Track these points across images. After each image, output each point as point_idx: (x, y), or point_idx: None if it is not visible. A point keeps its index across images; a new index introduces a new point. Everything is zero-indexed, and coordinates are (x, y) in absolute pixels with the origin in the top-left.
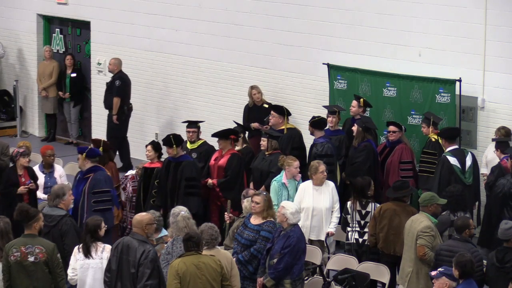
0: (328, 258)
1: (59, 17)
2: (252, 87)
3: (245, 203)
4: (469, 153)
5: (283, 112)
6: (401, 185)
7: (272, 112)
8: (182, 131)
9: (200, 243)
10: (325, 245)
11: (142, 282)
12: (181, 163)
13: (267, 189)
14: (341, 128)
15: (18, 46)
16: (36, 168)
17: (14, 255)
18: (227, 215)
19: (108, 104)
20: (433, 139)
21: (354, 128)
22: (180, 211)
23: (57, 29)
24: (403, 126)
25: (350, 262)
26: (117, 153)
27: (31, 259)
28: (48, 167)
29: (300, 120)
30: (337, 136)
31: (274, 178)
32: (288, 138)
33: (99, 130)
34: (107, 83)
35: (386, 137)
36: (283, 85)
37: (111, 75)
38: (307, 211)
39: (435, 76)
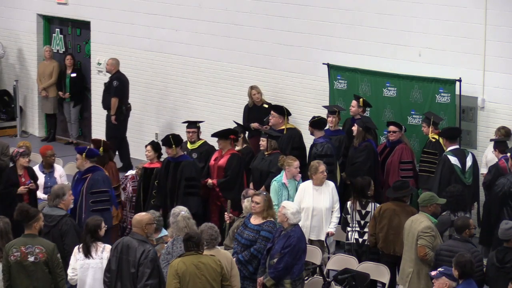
0: (328, 258)
1: (59, 17)
2: (251, 87)
3: (245, 203)
4: (470, 153)
5: (283, 112)
6: (401, 185)
7: (272, 112)
8: (182, 131)
9: (200, 243)
10: (325, 245)
11: (142, 281)
12: (180, 163)
13: (267, 189)
14: (341, 128)
15: (18, 46)
16: (36, 168)
17: (14, 255)
18: (227, 215)
19: (106, 104)
20: (433, 139)
21: (354, 128)
22: (181, 211)
23: (57, 29)
24: (403, 126)
25: (350, 262)
26: (117, 153)
27: (31, 259)
28: (48, 167)
29: (300, 120)
30: (337, 136)
31: (274, 178)
32: (288, 138)
33: (99, 130)
34: (105, 84)
35: (386, 137)
36: (283, 85)
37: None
38: (307, 211)
39: (435, 76)
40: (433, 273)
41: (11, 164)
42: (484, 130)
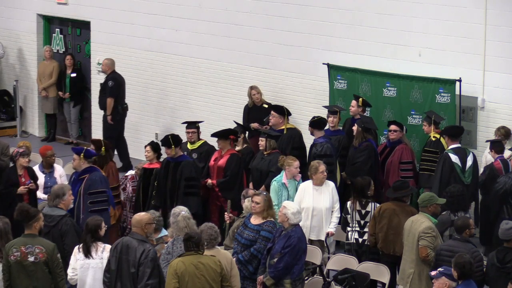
0: (328, 258)
1: (59, 17)
2: (251, 88)
3: (246, 203)
4: (471, 153)
5: (283, 112)
6: (401, 185)
7: (272, 112)
8: (182, 131)
9: (200, 243)
10: (325, 245)
11: (143, 281)
12: (180, 163)
13: (267, 189)
14: (341, 128)
15: (18, 46)
16: (36, 168)
17: (14, 255)
18: (227, 215)
19: (102, 104)
20: (434, 138)
21: (355, 128)
22: (181, 211)
23: (57, 29)
24: (404, 127)
25: (350, 262)
26: (116, 153)
27: (31, 259)
28: (48, 167)
29: (300, 120)
30: (336, 136)
31: (274, 178)
32: (288, 138)
33: (99, 130)
34: (101, 84)
35: (387, 137)
36: (283, 85)
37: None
38: (307, 211)
39: (435, 76)
40: (433, 273)
41: (11, 164)
42: (484, 130)
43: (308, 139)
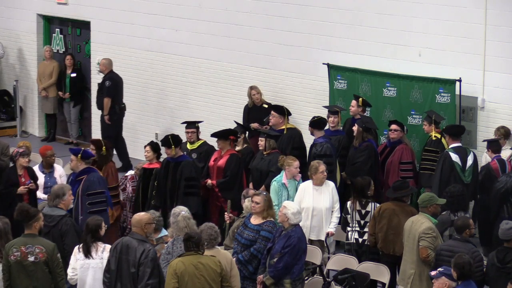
0: (328, 258)
1: (59, 17)
2: (251, 88)
3: (246, 203)
4: (472, 152)
5: (283, 112)
6: (401, 185)
7: (272, 112)
8: (182, 131)
9: (200, 243)
10: (325, 245)
11: (143, 281)
12: (180, 163)
13: (267, 189)
14: (341, 128)
15: (18, 46)
16: (36, 168)
17: (14, 255)
18: (227, 215)
19: (99, 104)
20: (435, 138)
21: (355, 128)
22: (181, 211)
23: (57, 29)
24: (405, 127)
25: (350, 262)
26: (115, 153)
27: (31, 259)
28: (48, 167)
29: (300, 120)
30: (336, 136)
31: (274, 179)
32: (288, 138)
33: (99, 130)
34: (98, 84)
35: (387, 137)
36: (283, 85)
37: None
38: (307, 211)
39: (435, 76)
40: (433, 273)
41: (11, 164)
42: (484, 130)
43: (308, 139)
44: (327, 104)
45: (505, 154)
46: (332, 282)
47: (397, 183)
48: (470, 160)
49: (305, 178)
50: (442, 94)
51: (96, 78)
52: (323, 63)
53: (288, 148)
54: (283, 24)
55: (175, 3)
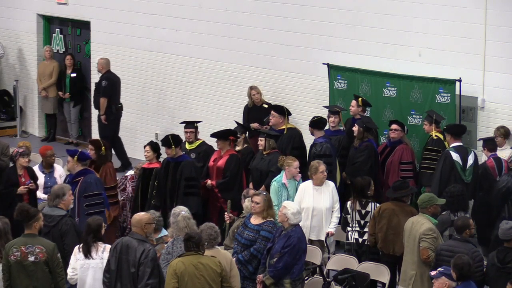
0: (328, 258)
1: (59, 17)
2: (251, 88)
3: (246, 203)
4: (472, 152)
5: (284, 112)
6: (401, 185)
7: (272, 112)
8: (182, 131)
9: (201, 243)
10: (325, 245)
11: (143, 281)
12: (180, 163)
13: (267, 189)
14: (341, 128)
15: (18, 46)
16: (36, 168)
17: (14, 255)
18: (227, 215)
19: (96, 104)
20: (435, 137)
21: (355, 128)
22: (181, 211)
23: (57, 29)
24: (405, 127)
25: (350, 262)
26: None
27: (31, 258)
28: (48, 167)
29: (300, 120)
30: (336, 136)
31: (274, 179)
32: (289, 138)
33: None
34: (95, 84)
35: (387, 137)
36: (283, 85)
37: None
38: (307, 211)
39: (435, 76)
40: (433, 273)
41: (11, 164)
42: (484, 130)
43: (308, 139)
44: (327, 104)
45: (505, 154)
46: (332, 282)
47: (397, 183)
48: (470, 160)
49: (305, 178)
50: (442, 94)
51: (96, 78)
52: (323, 63)
53: (288, 148)
54: (283, 24)
55: (175, 3)
